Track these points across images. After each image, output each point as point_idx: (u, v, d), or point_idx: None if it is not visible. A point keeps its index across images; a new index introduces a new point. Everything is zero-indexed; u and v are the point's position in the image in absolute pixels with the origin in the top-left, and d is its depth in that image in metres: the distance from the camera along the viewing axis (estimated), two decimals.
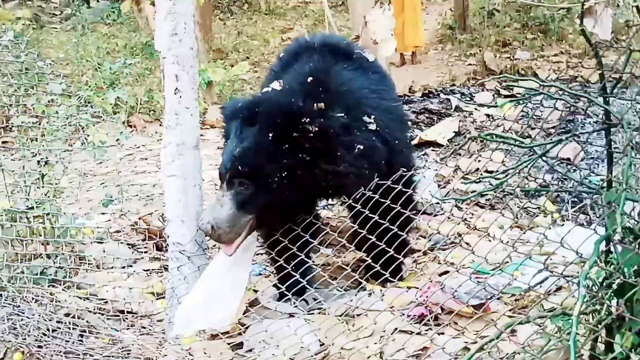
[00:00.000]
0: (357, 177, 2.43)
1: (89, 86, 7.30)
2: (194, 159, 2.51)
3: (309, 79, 2.58)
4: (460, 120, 5.19)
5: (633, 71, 1.95)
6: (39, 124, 2.99)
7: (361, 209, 2.29)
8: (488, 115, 5.24)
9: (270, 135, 2.36)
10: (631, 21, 2.39)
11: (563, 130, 4.59)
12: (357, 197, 2.33)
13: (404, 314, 2.32)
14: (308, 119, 2.34)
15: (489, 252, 1.95)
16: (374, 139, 2.56)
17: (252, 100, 2.57)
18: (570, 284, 1.94)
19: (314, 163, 2.37)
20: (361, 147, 2.47)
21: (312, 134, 2.33)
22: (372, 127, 2.57)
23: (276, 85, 2.62)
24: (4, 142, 4.57)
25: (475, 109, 5.27)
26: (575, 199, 3.34)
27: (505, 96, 5.92)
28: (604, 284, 1.56)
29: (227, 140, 2.56)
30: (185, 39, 2.36)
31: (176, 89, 2.39)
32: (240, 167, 2.37)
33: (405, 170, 2.28)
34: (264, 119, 2.40)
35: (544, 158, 1.75)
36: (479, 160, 3.85)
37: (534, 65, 8.08)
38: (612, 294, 1.52)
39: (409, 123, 4.79)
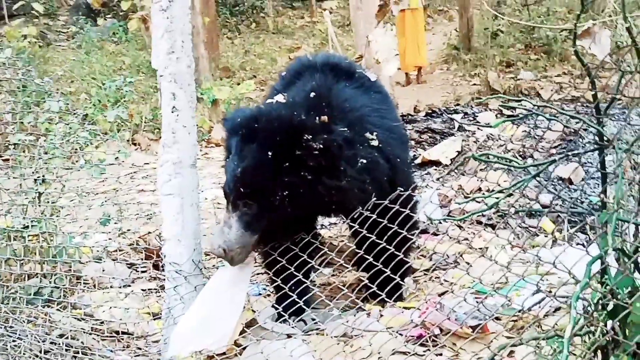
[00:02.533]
0: (360, 191, 2.41)
1: (93, 104, 7.36)
2: (191, 177, 2.49)
3: (312, 95, 2.57)
4: (463, 140, 5.17)
5: (627, 92, 1.94)
6: (37, 142, 2.99)
7: (359, 229, 2.28)
8: (490, 135, 5.23)
9: (271, 153, 2.33)
10: (622, 42, 2.39)
11: (564, 150, 4.57)
12: (356, 216, 2.31)
13: (401, 335, 2.29)
14: (311, 135, 2.30)
15: (485, 273, 1.93)
16: (376, 154, 2.55)
17: (252, 114, 2.50)
18: (567, 304, 1.91)
19: (317, 179, 2.34)
20: (364, 161, 2.46)
21: (316, 151, 2.29)
22: (374, 143, 2.56)
23: (280, 98, 2.61)
24: (5, 160, 4.59)
25: (478, 128, 5.25)
26: (575, 219, 3.31)
27: (508, 116, 5.91)
28: (599, 305, 1.53)
29: (229, 156, 2.54)
30: (182, 57, 2.36)
31: (173, 107, 2.39)
32: (242, 189, 2.34)
33: (404, 189, 2.26)
34: (264, 135, 2.37)
35: (538, 178, 1.73)
36: (481, 180, 3.84)
37: (537, 85, 8.09)
38: (607, 316, 1.49)
39: (410, 143, 4.79)
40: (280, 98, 2.60)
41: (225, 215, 2.42)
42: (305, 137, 2.30)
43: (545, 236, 3.22)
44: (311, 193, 2.35)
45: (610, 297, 1.40)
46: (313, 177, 2.33)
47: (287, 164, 2.33)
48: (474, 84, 8.71)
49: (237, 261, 2.40)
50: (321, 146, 2.29)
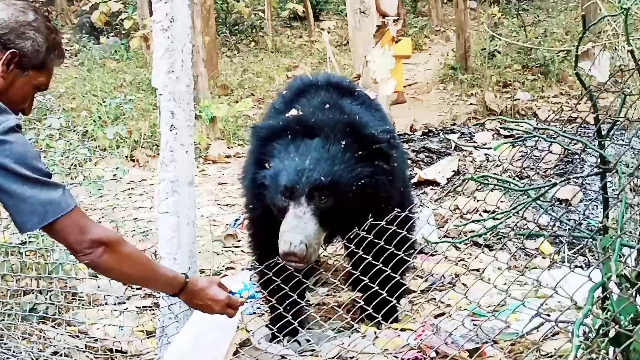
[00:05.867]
0: (398, 189, 2.55)
1: (94, 121, 7.38)
2: (188, 196, 2.48)
3: (326, 107, 2.59)
4: (459, 160, 5.18)
5: (628, 114, 1.95)
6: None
7: (355, 249, 2.27)
8: (487, 155, 5.24)
9: (342, 144, 2.36)
10: (625, 65, 2.40)
11: (562, 171, 4.57)
12: (352, 236, 2.30)
13: (397, 358, 2.27)
14: (371, 127, 2.42)
15: (484, 296, 1.91)
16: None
17: (296, 119, 2.51)
18: (567, 330, 1.90)
19: (381, 170, 2.39)
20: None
21: (377, 141, 2.38)
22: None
23: (294, 112, 2.61)
24: None
25: (475, 148, 5.27)
26: (574, 241, 3.30)
27: (505, 136, 5.93)
28: (600, 331, 1.51)
29: (258, 162, 2.50)
30: (182, 77, 2.37)
31: (172, 125, 2.39)
32: (322, 179, 2.31)
33: (407, 205, 2.27)
34: (328, 130, 2.40)
35: (538, 201, 1.73)
36: (478, 200, 3.83)
37: (534, 106, 8.12)
38: (608, 343, 1.47)
39: (408, 162, 4.80)
40: (294, 112, 2.62)
41: (295, 210, 2.31)
42: (368, 130, 2.40)
43: (543, 258, 3.21)
44: (376, 184, 2.38)
45: (612, 324, 1.39)
46: (378, 167, 2.38)
47: (357, 154, 2.36)
48: (471, 104, 8.75)
49: (312, 260, 2.31)
50: (387, 136, 2.40)
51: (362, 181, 2.36)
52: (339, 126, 2.41)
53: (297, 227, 2.26)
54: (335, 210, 2.33)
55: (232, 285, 2.06)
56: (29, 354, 2.59)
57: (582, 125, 4.44)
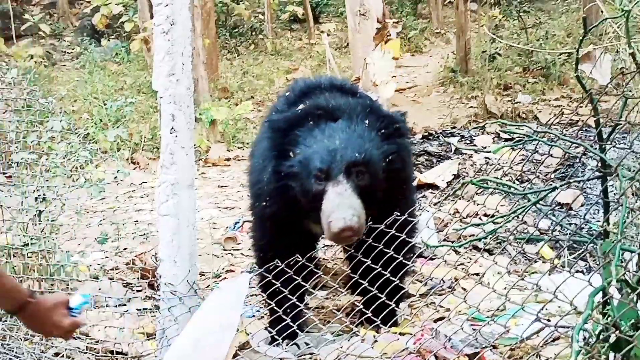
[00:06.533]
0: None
1: (95, 123, 7.39)
2: (188, 198, 2.49)
3: (331, 105, 2.61)
4: (459, 163, 5.17)
5: (630, 118, 1.95)
6: (39, 160, 3.01)
7: (354, 253, 2.27)
8: (487, 159, 5.23)
9: (365, 123, 2.44)
10: (626, 68, 2.40)
11: (563, 174, 4.57)
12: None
13: None
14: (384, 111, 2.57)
15: (483, 300, 1.91)
16: None
17: (315, 104, 2.57)
18: (567, 335, 1.90)
19: (403, 147, 2.51)
20: None
21: (396, 120, 2.50)
22: None
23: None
24: (8, 177, 4.60)
25: (475, 151, 5.25)
26: (575, 245, 3.29)
27: (506, 139, 5.92)
28: (600, 337, 1.51)
29: (280, 153, 2.51)
30: (182, 79, 2.38)
31: (172, 128, 2.40)
32: (356, 155, 2.36)
33: (410, 205, 2.28)
34: (350, 111, 2.47)
35: (538, 205, 1.73)
36: (478, 204, 3.82)
37: (535, 109, 8.09)
38: (609, 348, 1.47)
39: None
40: None
41: (336, 189, 2.32)
42: (386, 110, 2.53)
43: (544, 262, 3.20)
44: (402, 161, 2.50)
45: (613, 329, 1.38)
46: (399, 145, 2.48)
47: (381, 132, 2.45)
48: (471, 107, 8.72)
49: (362, 234, 2.31)
50: (402, 117, 2.53)
51: (389, 157, 2.44)
52: (358, 108, 2.49)
53: (344, 203, 2.29)
54: (370, 188, 2.39)
55: (72, 300, 1.95)
56: (31, 355, 2.61)
57: (583, 129, 4.42)
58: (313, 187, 2.37)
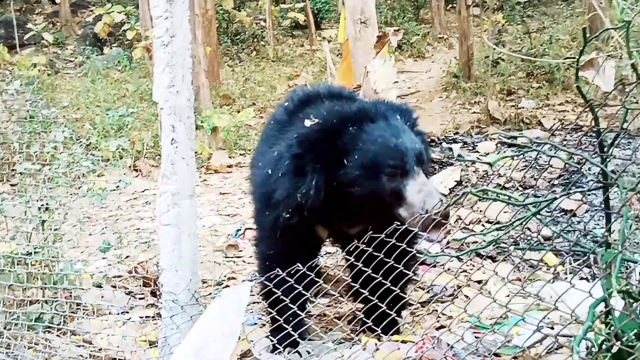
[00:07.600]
0: None
1: (97, 132, 7.42)
2: (189, 208, 2.49)
3: (359, 108, 2.65)
4: (462, 170, 5.15)
5: (634, 126, 1.94)
6: (42, 170, 3.03)
7: (355, 262, 2.26)
8: (490, 165, 5.21)
9: (398, 119, 2.58)
10: (627, 79, 2.40)
11: (566, 181, 4.55)
12: (352, 249, 2.29)
13: None
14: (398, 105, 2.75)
15: (485, 308, 1.90)
16: None
17: (358, 107, 2.63)
18: (569, 345, 1.89)
19: (427, 146, 2.73)
20: None
21: (412, 113, 2.71)
22: None
23: (308, 123, 2.61)
24: (12, 185, 4.63)
25: (472, 163, 5.23)
26: (579, 252, 3.27)
27: (509, 145, 5.90)
28: (602, 347, 1.51)
29: (329, 163, 2.49)
30: (182, 91, 2.39)
31: (172, 139, 2.40)
32: (417, 146, 2.51)
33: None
34: (378, 111, 2.56)
35: (539, 215, 1.72)
36: (480, 211, 3.82)
37: (538, 114, 8.03)
38: (611, 358, 1.46)
39: None
40: (308, 123, 2.63)
41: (417, 181, 2.41)
42: (398, 105, 2.74)
43: (547, 269, 3.19)
44: (429, 157, 2.76)
45: (614, 339, 1.38)
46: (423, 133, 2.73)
47: (408, 123, 2.62)
48: (474, 112, 8.68)
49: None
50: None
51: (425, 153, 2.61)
52: (381, 107, 2.61)
53: (432, 192, 2.39)
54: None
55: None
56: None
57: (587, 134, 4.41)
58: (386, 185, 2.42)
